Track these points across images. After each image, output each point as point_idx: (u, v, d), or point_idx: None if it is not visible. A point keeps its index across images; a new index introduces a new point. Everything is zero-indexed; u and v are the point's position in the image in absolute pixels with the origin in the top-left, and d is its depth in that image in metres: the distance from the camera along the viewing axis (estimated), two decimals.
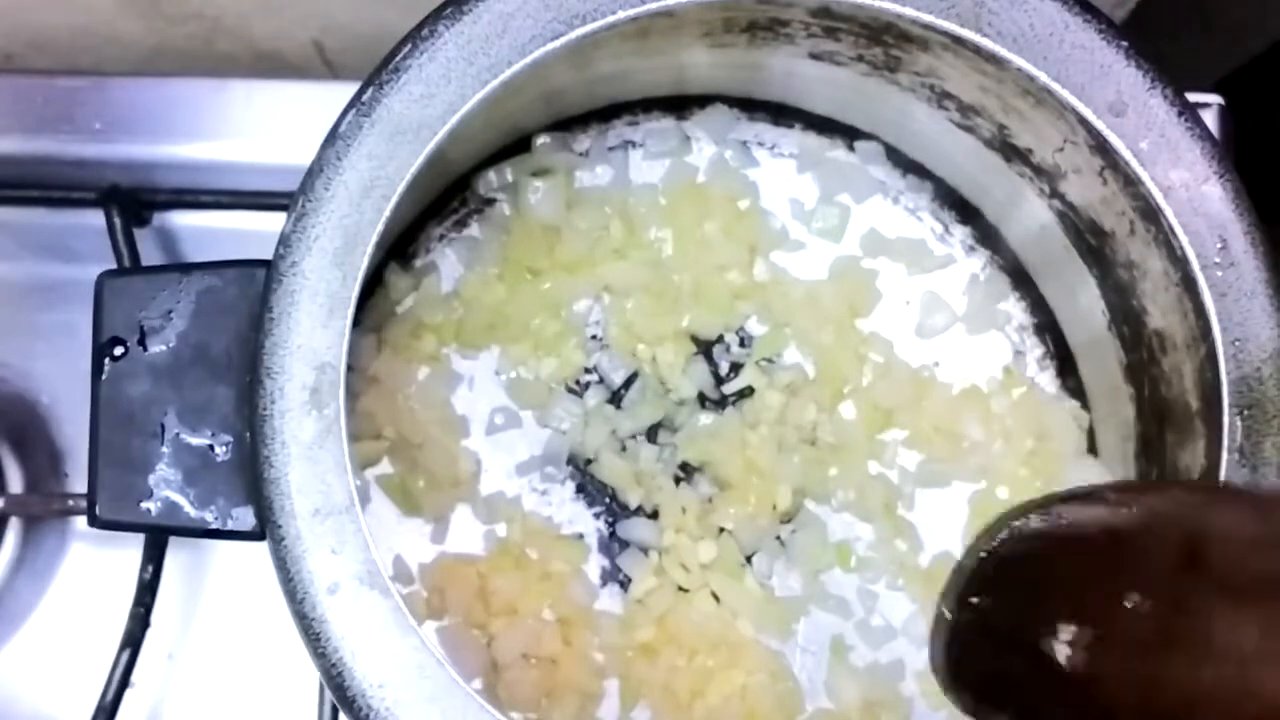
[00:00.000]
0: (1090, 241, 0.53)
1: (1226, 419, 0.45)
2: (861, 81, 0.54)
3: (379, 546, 0.44)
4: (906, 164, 0.59)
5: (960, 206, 0.59)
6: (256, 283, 0.47)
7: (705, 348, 0.58)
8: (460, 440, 0.57)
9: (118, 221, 0.59)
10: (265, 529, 0.45)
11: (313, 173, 0.46)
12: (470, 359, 0.57)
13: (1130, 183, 0.47)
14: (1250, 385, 0.45)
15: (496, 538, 0.56)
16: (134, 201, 0.60)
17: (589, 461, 0.57)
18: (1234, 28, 0.73)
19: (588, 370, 0.58)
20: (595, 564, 0.56)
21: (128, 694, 0.55)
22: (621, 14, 0.46)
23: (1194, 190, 0.46)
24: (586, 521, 0.57)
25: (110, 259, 0.58)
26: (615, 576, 0.56)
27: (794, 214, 0.59)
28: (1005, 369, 0.58)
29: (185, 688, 0.59)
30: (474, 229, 0.58)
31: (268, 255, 0.47)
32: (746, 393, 0.57)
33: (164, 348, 0.47)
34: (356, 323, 0.45)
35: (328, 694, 0.55)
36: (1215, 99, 0.62)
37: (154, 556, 0.56)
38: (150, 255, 0.61)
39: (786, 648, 0.55)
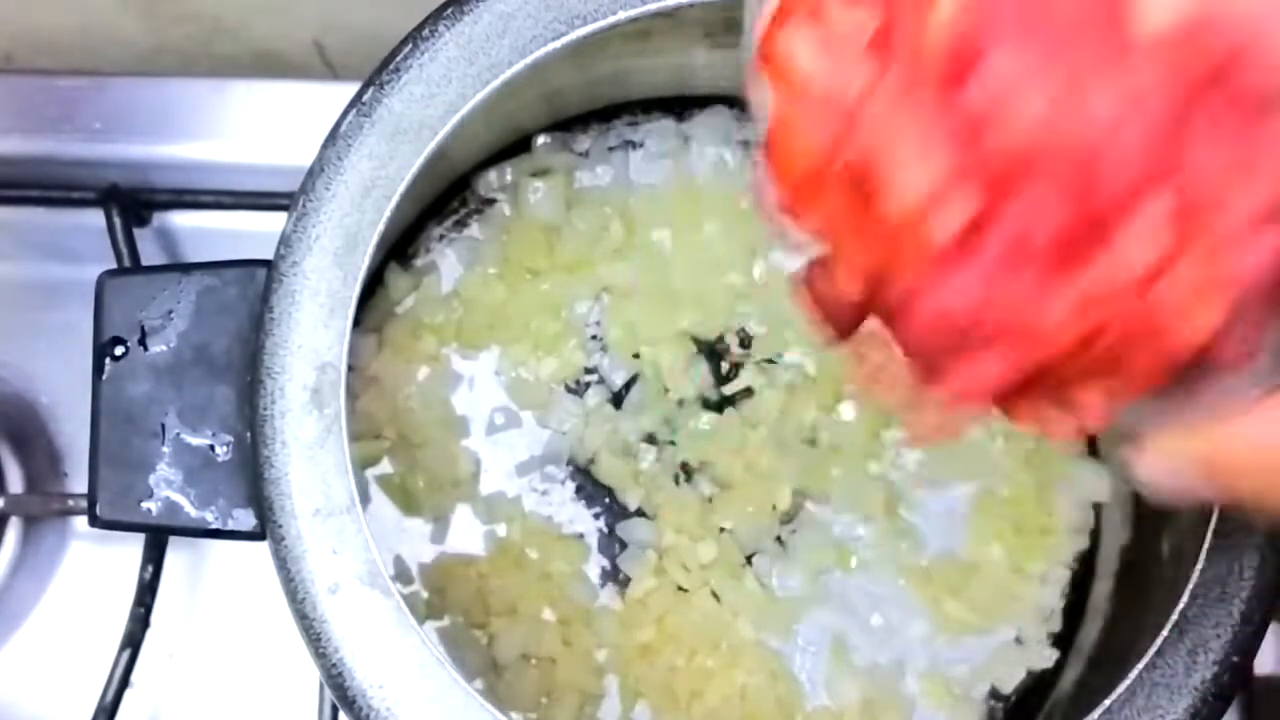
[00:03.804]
0: None
1: None
2: None
3: (379, 546, 0.44)
4: None
5: None
6: (257, 283, 0.47)
7: (705, 348, 0.58)
8: (460, 440, 0.57)
9: (118, 221, 0.59)
10: (266, 529, 0.45)
11: (313, 173, 0.46)
12: (470, 359, 0.57)
13: None
14: None
15: (496, 538, 0.56)
16: (134, 201, 0.60)
17: (589, 462, 0.57)
18: None
19: (588, 371, 0.58)
20: (595, 564, 0.56)
21: (128, 694, 0.55)
22: (622, 14, 0.47)
23: None
24: (586, 521, 0.57)
25: (110, 259, 0.58)
26: (615, 576, 0.56)
27: None
28: None
29: (185, 688, 0.59)
30: (474, 229, 0.58)
31: (268, 255, 0.47)
32: (746, 393, 0.57)
33: (164, 347, 0.47)
34: (357, 323, 0.46)
35: (328, 694, 0.55)
36: None
37: (154, 556, 0.56)
38: (150, 255, 0.61)
39: (786, 648, 0.55)
